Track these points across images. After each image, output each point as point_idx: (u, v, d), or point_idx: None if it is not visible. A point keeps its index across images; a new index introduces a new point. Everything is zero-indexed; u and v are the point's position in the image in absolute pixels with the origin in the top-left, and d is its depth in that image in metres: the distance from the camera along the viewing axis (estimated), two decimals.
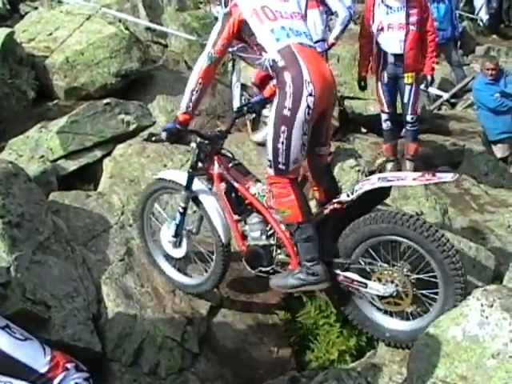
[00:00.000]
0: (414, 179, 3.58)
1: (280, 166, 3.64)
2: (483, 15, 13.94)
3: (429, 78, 6.58)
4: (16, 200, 4.04)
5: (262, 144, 6.03)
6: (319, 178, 4.06)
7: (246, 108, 4.40)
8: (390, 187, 3.88)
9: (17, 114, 6.63)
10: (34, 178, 4.79)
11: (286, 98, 3.51)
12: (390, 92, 6.67)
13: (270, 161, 3.69)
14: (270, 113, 5.75)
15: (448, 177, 3.72)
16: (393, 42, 6.39)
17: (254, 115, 6.03)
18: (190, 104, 3.79)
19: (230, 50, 3.97)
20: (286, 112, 3.52)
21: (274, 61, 3.58)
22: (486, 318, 3.10)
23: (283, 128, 3.54)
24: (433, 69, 6.61)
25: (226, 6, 3.83)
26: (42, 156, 5.67)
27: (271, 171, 3.71)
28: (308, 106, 3.50)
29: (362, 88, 6.94)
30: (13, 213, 3.94)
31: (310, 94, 3.49)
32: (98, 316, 4.07)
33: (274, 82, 3.72)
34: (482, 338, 3.05)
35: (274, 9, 3.67)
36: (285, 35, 3.59)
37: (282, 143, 3.56)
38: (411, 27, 6.32)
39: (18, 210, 4.00)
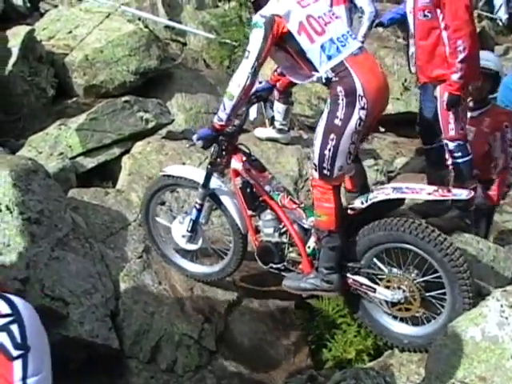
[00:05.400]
0: (429, 194, 3.60)
1: (325, 172, 3.64)
2: (502, 15, 13.82)
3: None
4: (35, 196, 4.06)
5: (272, 140, 6.04)
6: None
7: (254, 97, 4.38)
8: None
9: (36, 111, 6.68)
10: (53, 175, 4.80)
11: (339, 110, 3.50)
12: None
13: (315, 164, 3.69)
14: (277, 116, 5.81)
15: (463, 194, 3.68)
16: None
17: (272, 113, 6.03)
18: (231, 117, 3.74)
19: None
20: (338, 122, 3.51)
21: (327, 78, 3.55)
22: (506, 318, 3.08)
23: (332, 136, 3.54)
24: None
25: (256, 11, 3.70)
26: (61, 153, 5.68)
27: (316, 174, 3.71)
28: (360, 119, 3.50)
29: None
30: (32, 209, 3.96)
31: (363, 108, 3.49)
32: (116, 313, 4.07)
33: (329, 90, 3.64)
34: (502, 339, 3.03)
35: (317, 15, 3.62)
36: (335, 50, 3.55)
37: (329, 150, 3.56)
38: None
39: (37, 206, 4.02)
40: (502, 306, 3.13)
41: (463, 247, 4.26)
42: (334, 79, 3.53)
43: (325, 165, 3.61)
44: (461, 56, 4.33)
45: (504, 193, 5.55)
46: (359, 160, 4.33)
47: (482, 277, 4.23)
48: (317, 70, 3.57)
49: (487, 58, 5.15)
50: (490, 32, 13.51)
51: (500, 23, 13.91)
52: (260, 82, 4.59)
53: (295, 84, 4.58)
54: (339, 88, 3.50)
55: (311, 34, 3.55)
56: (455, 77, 4.40)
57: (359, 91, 3.47)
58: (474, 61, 4.55)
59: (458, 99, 4.49)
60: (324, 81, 3.58)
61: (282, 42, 3.59)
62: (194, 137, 3.90)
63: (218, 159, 4.08)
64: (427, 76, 4.76)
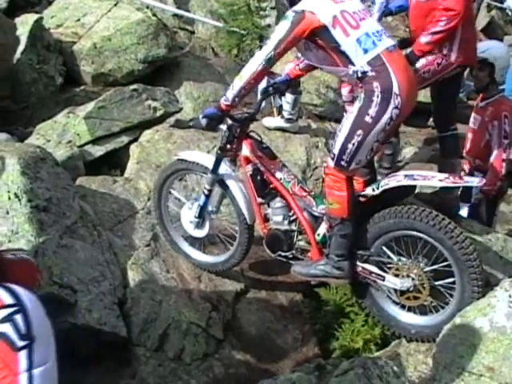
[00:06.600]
0: (441, 180, 3.59)
1: (342, 163, 3.62)
2: (511, 4, 13.77)
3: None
4: (44, 184, 4.07)
5: (280, 129, 6.04)
6: (364, 169, 4.05)
7: (271, 88, 4.39)
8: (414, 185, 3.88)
9: (44, 100, 6.67)
10: (62, 163, 4.82)
11: (371, 107, 3.47)
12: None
13: (334, 154, 3.67)
14: (286, 106, 5.80)
15: (475, 181, 3.76)
16: None
17: (280, 102, 6.02)
18: (237, 99, 3.73)
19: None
20: (368, 119, 3.48)
21: (363, 72, 3.50)
22: None
23: (359, 132, 3.52)
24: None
25: (291, 6, 3.67)
26: (70, 141, 5.70)
27: (331, 163, 3.69)
28: (391, 118, 3.48)
29: None
30: (40, 197, 3.97)
31: (396, 107, 3.47)
32: (124, 301, 4.08)
33: (358, 86, 3.62)
34: (510, 329, 3.03)
35: (352, 10, 3.59)
36: (371, 43, 3.53)
37: (353, 144, 3.54)
38: None
39: (45, 194, 4.03)
40: (510, 296, 3.13)
41: (471, 237, 4.24)
42: (370, 74, 3.49)
43: (344, 157, 3.60)
44: (437, 29, 4.34)
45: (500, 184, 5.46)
46: (373, 164, 4.36)
47: (490, 267, 4.22)
48: (353, 64, 3.53)
49: (484, 49, 5.16)
50: (499, 22, 13.45)
51: (509, 13, 13.85)
52: (272, 75, 4.59)
53: (305, 74, 4.57)
54: (375, 83, 3.47)
55: (346, 28, 3.52)
56: (423, 40, 4.42)
57: (395, 89, 3.45)
58: (469, 44, 4.60)
59: (414, 60, 4.47)
60: (360, 75, 3.52)
61: (314, 37, 3.57)
62: (200, 115, 3.95)
63: (228, 145, 4.09)
64: (419, 50, 4.60)
